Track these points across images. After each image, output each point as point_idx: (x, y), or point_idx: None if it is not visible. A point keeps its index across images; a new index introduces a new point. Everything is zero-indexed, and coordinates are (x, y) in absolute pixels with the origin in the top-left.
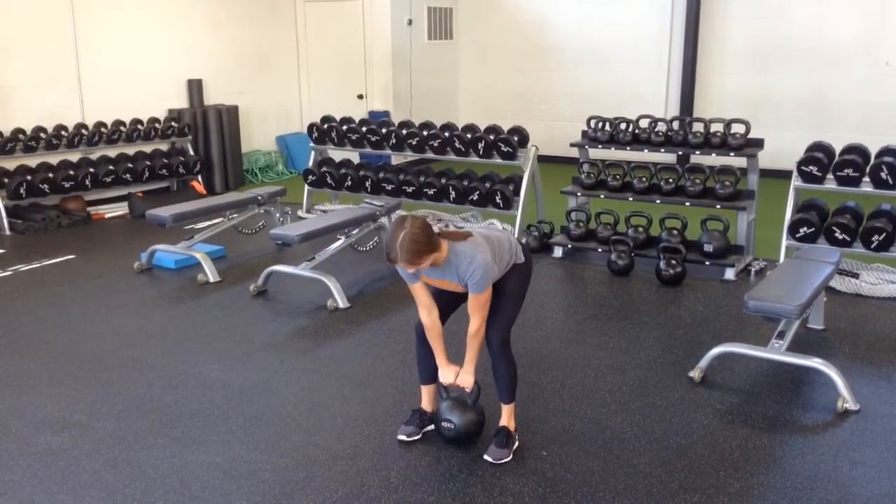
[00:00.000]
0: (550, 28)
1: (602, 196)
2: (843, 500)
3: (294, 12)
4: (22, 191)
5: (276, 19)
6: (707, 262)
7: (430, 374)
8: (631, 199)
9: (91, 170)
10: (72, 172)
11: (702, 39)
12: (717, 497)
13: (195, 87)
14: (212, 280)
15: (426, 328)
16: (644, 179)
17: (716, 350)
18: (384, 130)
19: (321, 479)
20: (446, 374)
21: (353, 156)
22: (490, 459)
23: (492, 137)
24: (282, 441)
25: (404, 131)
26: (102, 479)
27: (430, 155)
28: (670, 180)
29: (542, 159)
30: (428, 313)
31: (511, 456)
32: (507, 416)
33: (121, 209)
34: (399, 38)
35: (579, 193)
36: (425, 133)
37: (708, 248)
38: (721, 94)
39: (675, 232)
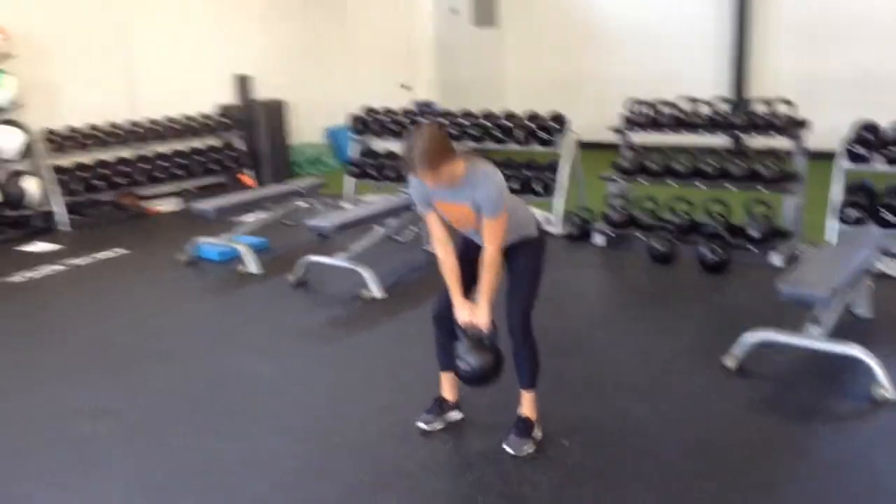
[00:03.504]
0: (597, 11)
1: (643, 182)
2: (870, 490)
3: (340, 5)
4: (78, 187)
5: (323, 13)
6: (752, 248)
7: (449, 361)
8: (672, 183)
9: (145, 166)
10: (126, 168)
11: (752, 17)
12: (736, 485)
13: (244, 83)
14: (253, 271)
15: (440, 262)
16: (686, 164)
17: (749, 337)
18: (423, 120)
19: (340, 467)
20: (461, 311)
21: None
22: (510, 450)
23: (531, 124)
24: (305, 429)
25: (444, 120)
26: (129, 466)
27: (470, 144)
28: (713, 164)
29: (593, 146)
30: (442, 248)
31: (534, 448)
32: (528, 405)
33: (174, 203)
34: (444, 27)
35: (619, 179)
36: (466, 121)
37: (753, 232)
38: (774, 73)
39: (720, 217)
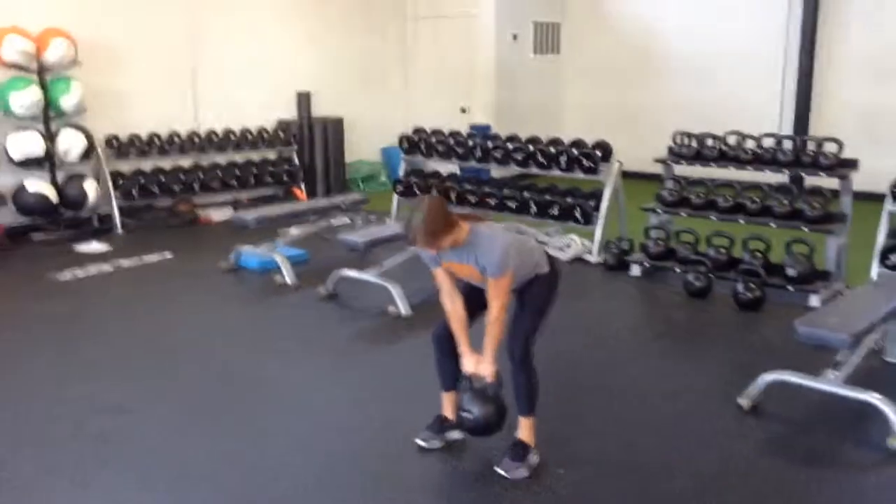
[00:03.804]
0: (660, 42)
1: (684, 214)
2: None
3: (403, 28)
4: (134, 192)
5: (385, 35)
6: (790, 288)
7: (450, 381)
8: (714, 217)
9: (200, 175)
10: (182, 176)
11: (819, 51)
12: None
13: (304, 99)
14: (288, 282)
15: (449, 315)
16: (729, 198)
17: (767, 377)
18: (471, 143)
19: (341, 478)
20: (468, 362)
21: (453, 167)
22: (502, 472)
23: (574, 151)
24: (309, 438)
25: (489, 143)
26: (140, 464)
27: (515, 168)
28: (756, 200)
29: (643, 176)
30: (450, 299)
31: (528, 473)
32: (525, 430)
33: (227, 213)
34: (504, 53)
35: (660, 210)
36: (510, 146)
37: (791, 272)
38: (839, 109)
39: (758, 254)
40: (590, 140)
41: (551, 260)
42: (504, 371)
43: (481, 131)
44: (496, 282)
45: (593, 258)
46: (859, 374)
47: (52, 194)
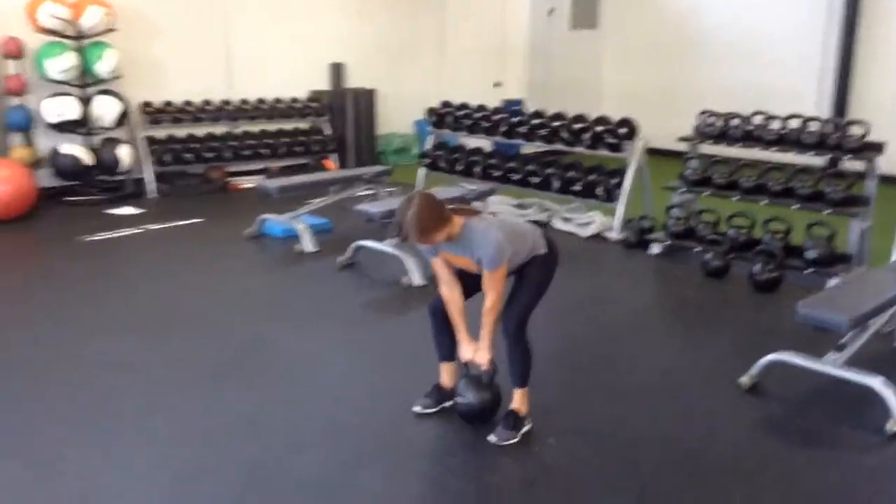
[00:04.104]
0: (700, 18)
1: (706, 193)
2: None
3: (438, 1)
4: (167, 158)
5: (419, 7)
6: (808, 270)
7: (447, 352)
8: (736, 198)
9: (232, 143)
10: (214, 144)
11: (860, 33)
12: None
13: (337, 71)
14: (308, 250)
15: (446, 303)
16: (752, 178)
17: (768, 358)
18: (496, 117)
19: (331, 441)
20: (465, 349)
21: (483, 142)
22: (493, 439)
23: (599, 128)
24: (310, 401)
25: (515, 119)
26: (140, 419)
27: (546, 145)
28: (779, 181)
29: (676, 154)
30: (448, 288)
31: (517, 438)
32: (518, 400)
33: (257, 181)
34: (539, 27)
35: (682, 189)
36: (535, 122)
37: (810, 254)
38: (880, 91)
39: (779, 236)
40: (600, 116)
41: (549, 241)
42: (500, 344)
43: (512, 107)
44: (491, 274)
45: (614, 235)
46: (865, 358)
47: (86, 157)
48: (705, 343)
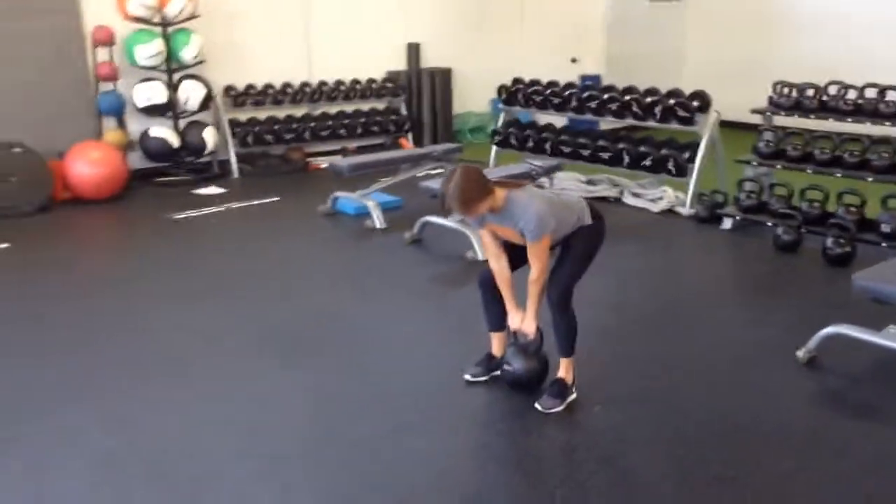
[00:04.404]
0: None
1: (780, 167)
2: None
3: None
4: (249, 139)
5: None
6: (883, 244)
7: (497, 322)
8: (810, 171)
9: (311, 124)
10: (294, 125)
11: None
12: (756, 475)
13: (414, 51)
14: (378, 227)
15: (495, 274)
16: (826, 151)
17: (826, 330)
18: (566, 93)
19: (394, 402)
20: (514, 318)
21: (558, 119)
22: (539, 407)
23: (671, 102)
24: (367, 368)
25: (585, 94)
26: (207, 384)
27: (622, 121)
28: (855, 152)
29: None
30: (496, 260)
31: (563, 406)
32: (564, 369)
33: (346, 161)
34: (618, 1)
35: (755, 163)
36: (606, 96)
37: (886, 227)
38: None
39: (852, 209)
40: (672, 89)
41: (595, 213)
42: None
43: (590, 83)
44: (534, 245)
45: (685, 210)
46: None
47: (173, 140)
48: (770, 317)
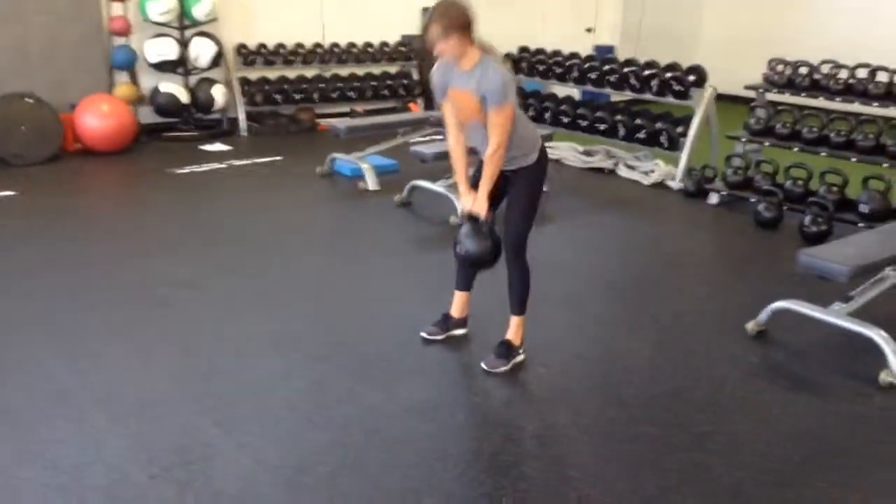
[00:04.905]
0: None
1: (768, 144)
2: (809, 460)
3: None
4: (259, 98)
5: None
6: (860, 224)
7: (463, 283)
8: (797, 149)
9: (322, 85)
10: (304, 86)
11: None
12: (676, 434)
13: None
14: (371, 188)
15: (450, 149)
16: (814, 129)
17: (775, 305)
18: (568, 63)
19: (351, 355)
20: (465, 200)
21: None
22: (483, 366)
23: (667, 75)
24: (332, 320)
25: (586, 65)
26: (190, 332)
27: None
28: (842, 132)
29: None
30: (453, 134)
31: (508, 367)
32: (514, 330)
33: (342, 123)
34: None
35: (744, 139)
36: (605, 68)
37: (864, 208)
38: None
39: (835, 188)
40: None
41: (543, 150)
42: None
43: (604, 53)
44: (496, 112)
45: (675, 184)
46: (876, 310)
47: (182, 96)
48: (735, 290)
